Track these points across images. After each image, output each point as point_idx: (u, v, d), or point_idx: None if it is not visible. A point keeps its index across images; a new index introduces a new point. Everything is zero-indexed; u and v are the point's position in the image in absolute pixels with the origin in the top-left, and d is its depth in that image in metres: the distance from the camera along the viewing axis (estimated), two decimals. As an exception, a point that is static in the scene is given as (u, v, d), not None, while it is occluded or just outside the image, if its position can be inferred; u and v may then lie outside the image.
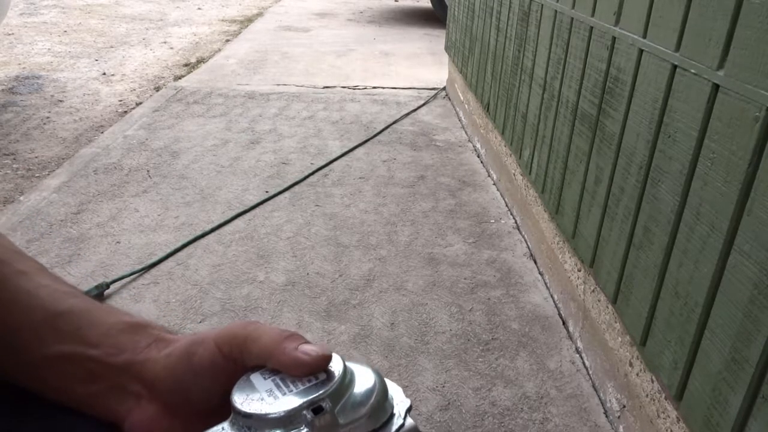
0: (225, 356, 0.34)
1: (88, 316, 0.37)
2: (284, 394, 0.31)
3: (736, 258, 0.80)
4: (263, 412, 0.30)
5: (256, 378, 0.33)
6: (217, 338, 0.35)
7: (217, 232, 1.87)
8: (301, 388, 0.31)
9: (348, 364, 0.34)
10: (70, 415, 0.36)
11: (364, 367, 0.35)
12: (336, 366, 0.33)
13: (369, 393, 0.33)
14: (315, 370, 0.32)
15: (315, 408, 0.30)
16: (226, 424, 0.31)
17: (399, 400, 0.34)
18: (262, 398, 0.31)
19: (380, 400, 0.33)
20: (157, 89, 3.47)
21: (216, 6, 6.70)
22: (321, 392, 0.31)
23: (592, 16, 1.30)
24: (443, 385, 1.30)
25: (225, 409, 0.32)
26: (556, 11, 1.54)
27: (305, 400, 0.31)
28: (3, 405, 0.36)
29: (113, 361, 0.36)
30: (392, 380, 0.35)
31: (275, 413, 0.30)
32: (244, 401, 0.31)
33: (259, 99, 3.18)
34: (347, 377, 0.32)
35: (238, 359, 0.34)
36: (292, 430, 0.30)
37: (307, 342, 0.33)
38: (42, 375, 0.36)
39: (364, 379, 0.33)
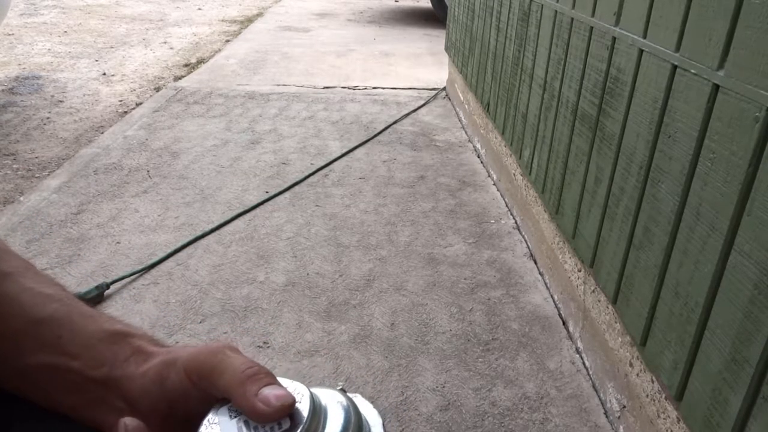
0: (194, 384, 0.34)
1: (69, 324, 0.37)
2: None
3: (736, 258, 0.80)
4: None
5: (222, 415, 0.32)
6: (186, 364, 0.34)
7: (217, 232, 1.87)
8: None
9: (320, 393, 0.33)
10: (61, 421, 0.36)
11: (339, 398, 0.33)
12: (304, 406, 0.31)
13: None
14: (275, 420, 0.31)
15: None
16: None
17: None
18: None
19: None
20: (157, 89, 3.47)
21: (216, 6, 6.70)
22: None
23: (592, 16, 1.30)
24: (443, 386, 1.30)
25: None
26: (556, 11, 1.54)
27: None
28: None
29: (93, 374, 0.36)
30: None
31: None
32: None
33: (259, 99, 3.18)
34: (315, 419, 0.31)
35: (207, 388, 0.33)
36: None
37: (271, 383, 0.32)
38: (26, 383, 0.36)
39: (335, 419, 0.31)
